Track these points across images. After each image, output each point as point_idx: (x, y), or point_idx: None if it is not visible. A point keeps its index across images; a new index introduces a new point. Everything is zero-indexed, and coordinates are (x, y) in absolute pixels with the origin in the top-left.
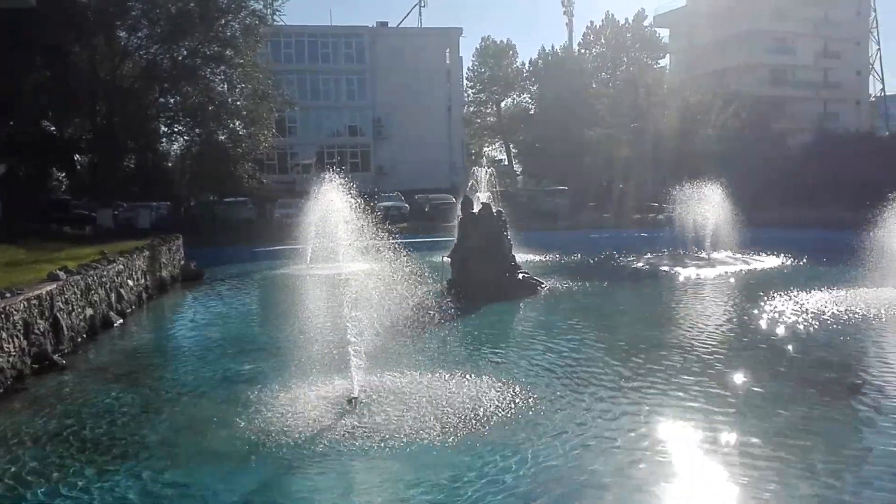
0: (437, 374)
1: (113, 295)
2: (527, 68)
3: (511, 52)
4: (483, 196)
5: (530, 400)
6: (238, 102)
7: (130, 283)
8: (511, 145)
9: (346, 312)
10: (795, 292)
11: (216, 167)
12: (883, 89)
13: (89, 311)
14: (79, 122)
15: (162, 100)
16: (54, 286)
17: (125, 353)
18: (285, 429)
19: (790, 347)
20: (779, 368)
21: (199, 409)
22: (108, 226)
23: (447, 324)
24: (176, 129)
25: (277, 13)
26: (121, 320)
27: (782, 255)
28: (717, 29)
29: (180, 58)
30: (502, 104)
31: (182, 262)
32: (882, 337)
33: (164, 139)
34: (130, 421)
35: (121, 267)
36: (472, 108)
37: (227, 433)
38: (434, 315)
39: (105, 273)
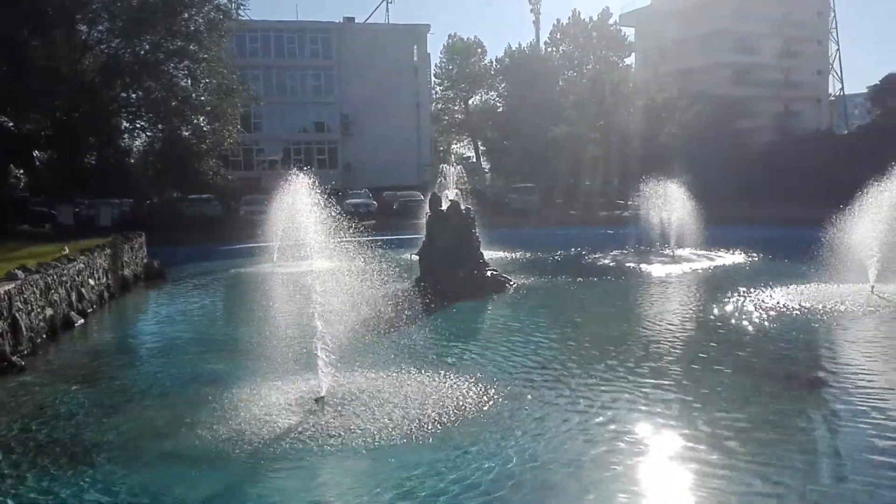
0: (405, 373)
1: (73, 294)
2: (494, 66)
3: (479, 50)
4: (451, 193)
5: (498, 397)
6: (202, 98)
7: (91, 282)
8: (479, 142)
9: (313, 311)
10: (757, 288)
11: (180, 163)
12: (842, 88)
13: (49, 311)
14: (37, 117)
15: (123, 95)
16: (12, 286)
17: (86, 354)
18: (251, 429)
19: (752, 342)
20: (740, 363)
21: (162, 410)
22: (68, 223)
23: (415, 322)
24: (138, 125)
25: (242, 8)
26: (82, 320)
27: (745, 251)
28: (681, 28)
29: (142, 52)
30: (470, 101)
31: (145, 261)
32: (842, 332)
33: (126, 135)
34: (92, 423)
35: (81, 265)
36: (440, 105)
37: (192, 434)
38: (402, 313)
39: (65, 272)
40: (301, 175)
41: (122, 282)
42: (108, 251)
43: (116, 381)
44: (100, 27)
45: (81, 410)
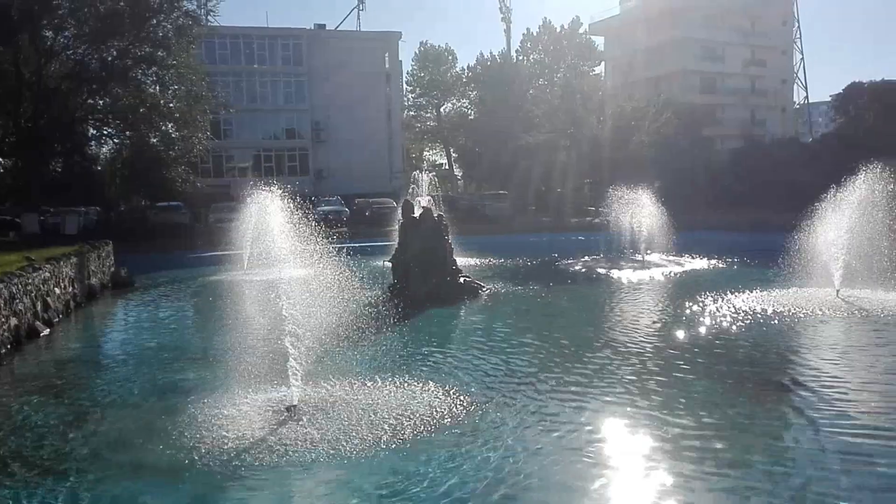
0: (378, 381)
1: (39, 303)
2: (466, 73)
3: (450, 57)
4: (424, 200)
5: (471, 404)
6: (171, 104)
7: (57, 291)
8: (451, 150)
9: (284, 319)
10: (725, 293)
11: (148, 171)
12: (807, 97)
13: (13, 321)
14: (1, 123)
15: (90, 101)
16: None
17: (52, 365)
18: (221, 440)
19: (720, 347)
20: (710, 367)
21: (130, 420)
22: (33, 231)
23: (388, 329)
24: (105, 132)
25: (211, 14)
26: (47, 330)
27: (713, 257)
28: (650, 37)
29: (110, 58)
30: (442, 109)
31: (112, 269)
32: (808, 335)
33: (93, 142)
34: (58, 434)
35: (47, 274)
36: (411, 113)
37: (160, 445)
38: (375, 320)
39: (30, 281)
40: (272, 182)
41: (89, 291)
42: (74, 260)
43: (82, 392)
44: (66, 33)
45: (46, 421)
